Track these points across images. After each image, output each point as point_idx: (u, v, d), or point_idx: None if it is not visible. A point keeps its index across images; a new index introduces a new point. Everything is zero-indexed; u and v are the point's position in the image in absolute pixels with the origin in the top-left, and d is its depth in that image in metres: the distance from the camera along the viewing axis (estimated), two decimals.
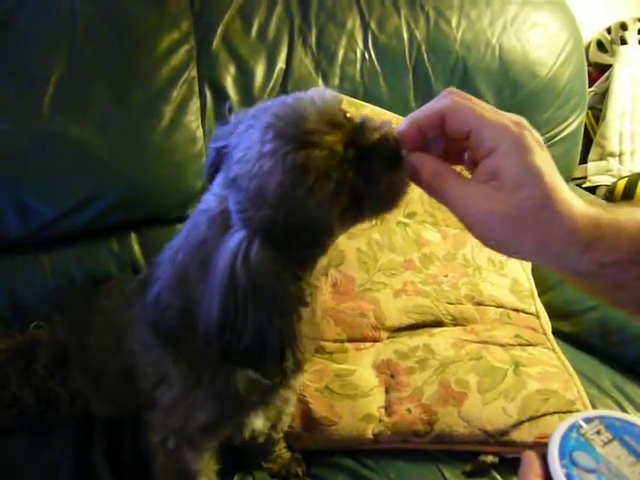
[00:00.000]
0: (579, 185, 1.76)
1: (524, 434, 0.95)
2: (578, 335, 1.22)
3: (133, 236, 1.22)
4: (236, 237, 0.55)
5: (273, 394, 0.79)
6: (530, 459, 0.87)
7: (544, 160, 0.49)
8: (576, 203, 0.48)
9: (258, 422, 0.82)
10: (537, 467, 0.86)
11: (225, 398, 0.73)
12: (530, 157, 0.48)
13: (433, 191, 0.53)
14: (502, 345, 1.09)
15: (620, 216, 0.49)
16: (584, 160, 1.81)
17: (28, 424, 1.00)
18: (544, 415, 0.96)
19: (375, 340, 1.11)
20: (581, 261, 0.48)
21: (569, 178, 1.63)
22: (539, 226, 0.48)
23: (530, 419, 0.96)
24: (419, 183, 0.55)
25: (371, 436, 0.97)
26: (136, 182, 1.16)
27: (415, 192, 1.43)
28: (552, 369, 1.05)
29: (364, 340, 1.10)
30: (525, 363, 1.04)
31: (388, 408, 0.99)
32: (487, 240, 0.51)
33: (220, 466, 0.88)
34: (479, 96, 1.42)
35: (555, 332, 1.19)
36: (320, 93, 0.57)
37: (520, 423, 0.96)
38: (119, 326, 0.81)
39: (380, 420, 0.98)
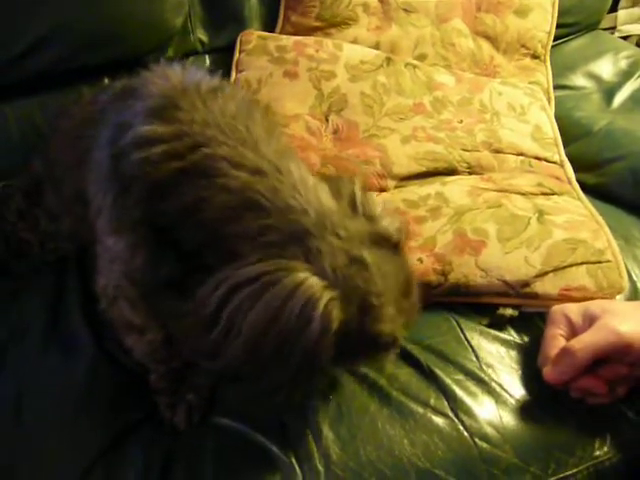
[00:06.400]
0: None
1: (548, 286, 0.85)
2: (604, 186, 1.09)
3: (106, 82, 1.07)
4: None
5: None
6: (556, 314, 0.78)
7: None
8: None
9: None
10: (563, 323, 0.77)
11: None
12: None
13: None
14: (523, 194, 0.97)
15: None
16: (614, 8, 1.63)
17: None
18: (571, 266, 0.86)
19: (382, 190, 0.99)
20: None
21: (596, 25, 1.47)
22: None
23: (555, 269, 0.85)
24: None
25: None
26: (101, 18, 1.00)
27: (425, 30, 1.27)
28: (580, 218, 0.93)
29: (369, 189, 0.98)
30: (550, 212, 0.93)
31: None
32: None
33: None
34: None
35: (578, 185, 1.07)
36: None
37: (544, 274, 0.85)
38: (83, 141, 0.70)
39: None
